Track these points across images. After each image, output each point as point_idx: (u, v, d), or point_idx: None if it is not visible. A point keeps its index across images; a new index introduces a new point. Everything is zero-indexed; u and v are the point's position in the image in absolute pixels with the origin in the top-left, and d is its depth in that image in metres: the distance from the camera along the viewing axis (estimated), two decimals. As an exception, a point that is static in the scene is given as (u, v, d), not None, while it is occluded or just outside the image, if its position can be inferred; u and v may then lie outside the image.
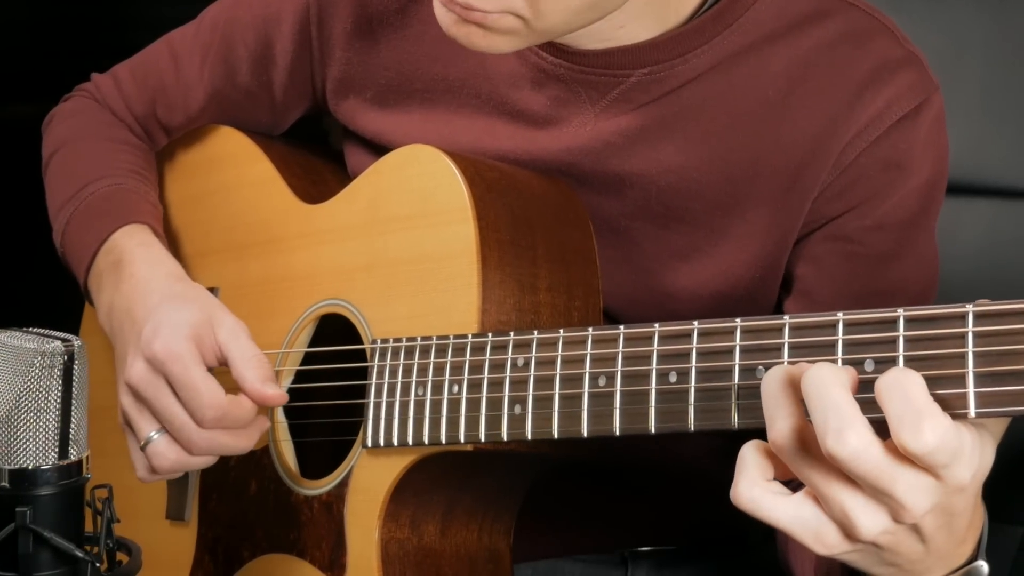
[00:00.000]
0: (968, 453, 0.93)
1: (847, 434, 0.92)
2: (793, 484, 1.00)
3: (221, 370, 1.36)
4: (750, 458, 0.99)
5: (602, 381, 1.14)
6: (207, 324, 1.35)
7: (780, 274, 1.39)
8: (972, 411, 0.93)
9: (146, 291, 1.41)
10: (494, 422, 1.21)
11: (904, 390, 0.92)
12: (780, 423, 0.96)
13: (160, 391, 1.34)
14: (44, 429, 1.04)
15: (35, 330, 1.07)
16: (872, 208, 1.34)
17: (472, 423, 1.22)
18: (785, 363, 1.01)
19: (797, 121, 1.34)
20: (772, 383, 0.97)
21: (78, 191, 1.54)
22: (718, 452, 1.48)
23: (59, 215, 1.56)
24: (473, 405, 1.23)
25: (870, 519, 0.95)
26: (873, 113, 1.32)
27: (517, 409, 1.19)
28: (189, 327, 1.34)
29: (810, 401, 0.94)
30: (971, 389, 0.94)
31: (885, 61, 1.34)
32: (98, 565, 1.06)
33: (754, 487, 0.99)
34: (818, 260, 1.37)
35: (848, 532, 0.96)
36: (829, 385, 0.94)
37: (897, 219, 1.35)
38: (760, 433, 1.01)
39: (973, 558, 1.03)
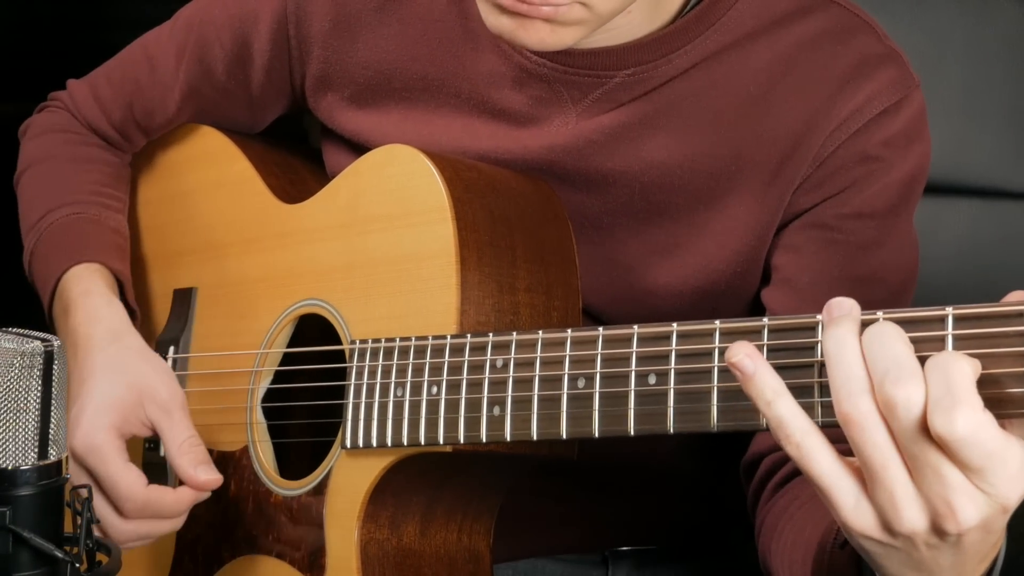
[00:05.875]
0: (1017, 470, 0.91)
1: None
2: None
3: None
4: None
5: (581, 383, 1.14)
6: (135, 403, 1.36)
7: (760, 268, 1.40)
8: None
9: (85, 351, 1.41)
10: (473, 423, 1.21)
11: (947, 373, 0.90)
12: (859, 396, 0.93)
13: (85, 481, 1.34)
14: (24, 429, 1.03)
15: (14, 330, 1.06)
16: (850, 197, 1.35)
17: (451, 424, 1.22)
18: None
19: (778, 116, 1.35)
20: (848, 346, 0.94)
21: (39, 219, 1.55)
22: (699, 453, 1.48)
23: (26, 242, 1.57)
24: (452, 406, 1.22)
25: (916, 514, 0.93)
26: (853, 108, 1.33)
27: (496, 410, 1.19)
28: (112, 412, 1.35)
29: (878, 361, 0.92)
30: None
31: (866, 57, 1.35)
32: (78, 565, 1.05)
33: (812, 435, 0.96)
34: (797, 248, 1.37)
35: (888, 523, 0.95)
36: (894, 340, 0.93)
37: (876, 208, 1.35)
38: (739, 435, 1.01)
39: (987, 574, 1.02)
